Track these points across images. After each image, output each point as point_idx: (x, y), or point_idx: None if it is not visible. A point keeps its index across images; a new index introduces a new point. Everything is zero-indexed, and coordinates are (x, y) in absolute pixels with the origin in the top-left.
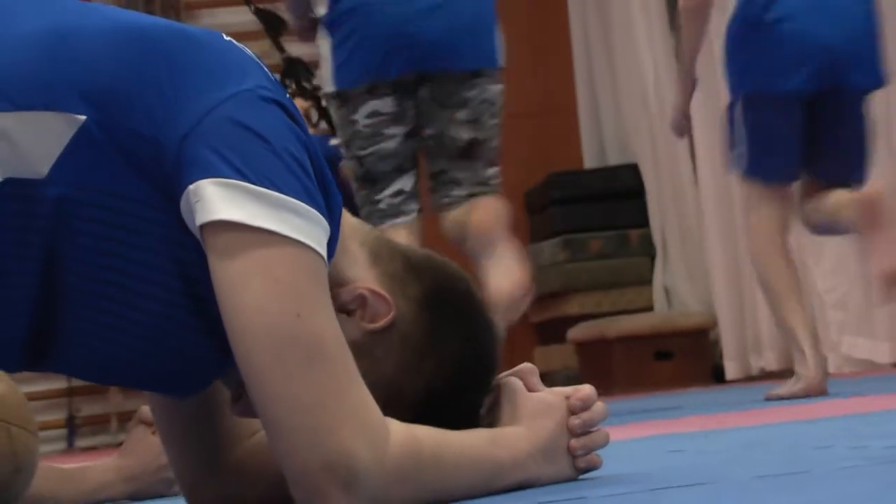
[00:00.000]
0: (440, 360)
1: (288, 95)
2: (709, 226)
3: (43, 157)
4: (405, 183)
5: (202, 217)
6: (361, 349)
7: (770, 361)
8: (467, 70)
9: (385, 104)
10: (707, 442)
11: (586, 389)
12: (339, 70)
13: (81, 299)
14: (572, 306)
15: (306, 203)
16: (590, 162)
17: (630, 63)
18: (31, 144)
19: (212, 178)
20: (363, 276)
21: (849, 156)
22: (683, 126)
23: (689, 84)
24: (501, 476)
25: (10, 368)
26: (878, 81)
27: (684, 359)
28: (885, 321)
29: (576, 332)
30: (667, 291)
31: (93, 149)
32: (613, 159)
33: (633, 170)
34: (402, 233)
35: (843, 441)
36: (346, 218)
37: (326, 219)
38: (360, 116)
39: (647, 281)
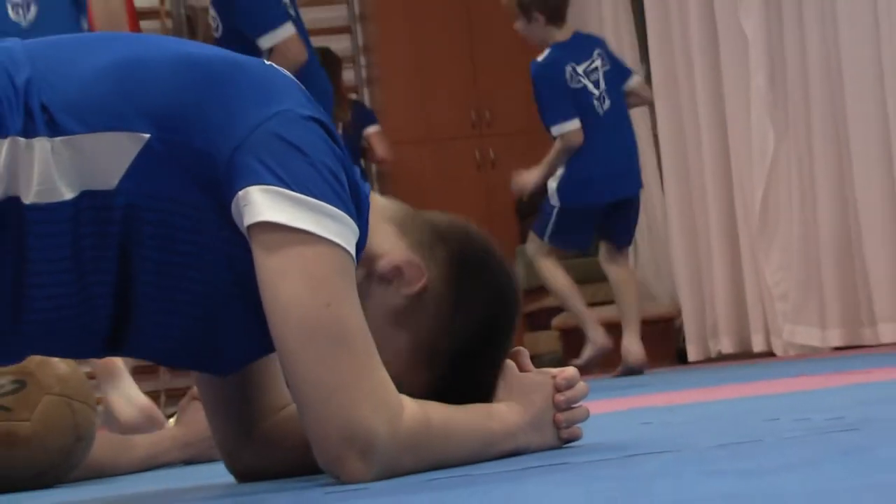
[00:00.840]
0: (469, 313)
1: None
2: (673, 228)
3: (113, 171)
4: None
5: (249, 219)
6: (402, 315)
7: (726, 345)
8: None
9: None
10: (672, 415)
11: (570, 370)
12: None
13: (150, 292)
14: (555, 299)
15: (338, 208)
16: None
17: None
18: (104, 161)
19: (258, 185)
20: (395, 247)
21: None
22: (523, 192)
23: (541, 181)
24: (496, 445)
25: (97, 356)
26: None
27: (652, 343)
28: (823, 311)
29: (559, 321)
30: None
31: (155, 162)
32: None
33: None
34: None
35: (788, 414)
36: (375, 199)
37: (356, 221)
38: None
39: None
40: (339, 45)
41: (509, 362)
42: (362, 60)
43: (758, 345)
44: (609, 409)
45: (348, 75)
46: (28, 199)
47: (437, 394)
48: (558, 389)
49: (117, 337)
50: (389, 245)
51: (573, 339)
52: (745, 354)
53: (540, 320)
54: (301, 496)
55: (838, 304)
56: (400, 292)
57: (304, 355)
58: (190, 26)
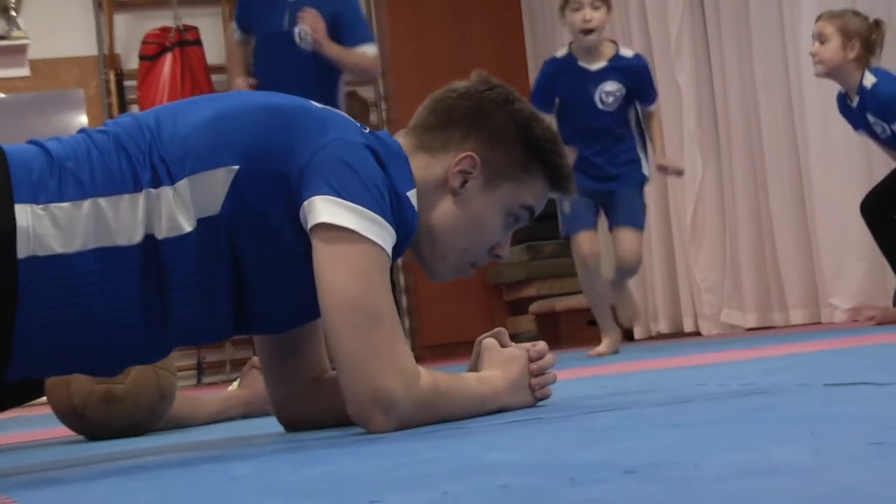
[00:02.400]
0: (513, 135)
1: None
2: None
3: (216, 200)
4: None
5: (312, 220)
6: (488, 186)
7: (663, 327)
8: None
9: None
10: (622, 381)
11: (541, 345)
12: None
13: (256, 279)
14: (532, 289)
15: (380, 215)
16: None
17: None
18: (209, 193)
19: (319, 195)
20: (441, 164)
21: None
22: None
23: None
24: (486, 404)
25: (228, 336)
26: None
27: None
28: (742, 299)
29: (534, 307)
30: None
31: (244, 186)
32: None
33: None
34: None
35: (712, 380)
36: (410, 149)
37: (393, 228)
38: None
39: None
40: (365, 92)
41: (492, 340)
42: (383, 105)
43: (688, 326)
44: (572, 376)
45: (373, 117)
46: (160, 235)
47: (554, 183)
48: (532, 360)
49: (240, 320)
50: (437, 164)
51: (545, 321)
52: (677, 334)
53: (519, 307)
54: (334, 442)
55: (754, 294)
56: (475, 178)
57: (344, 329)
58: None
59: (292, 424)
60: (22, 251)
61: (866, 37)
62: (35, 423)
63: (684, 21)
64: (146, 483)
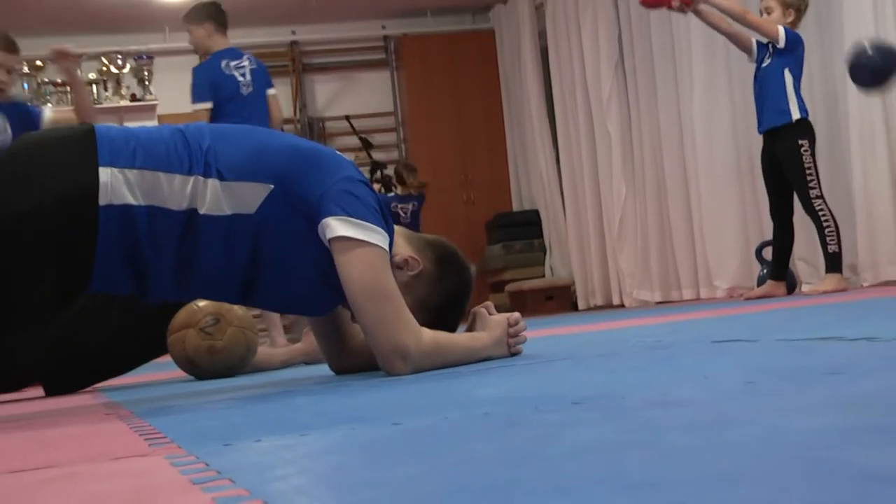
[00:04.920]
0: (445, 286)
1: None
2: (571, 235)
3: (253, 204)
4: None
5: (330, 234)
6: (408, 286)
7: (599, 300)
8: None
9: None
10: (571, 339)
11: (517, 315)
12: None
13: (269, 274)
14: (507, 276)
15: (379, 227)
16: (516, 207)
17: (532, 160)
18: (247, 198)
19: (333, 216)
20: (404, 249)
21: None
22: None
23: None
24: (475, 355)
25: (233, 303)
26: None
27: (559, 300)
28: (651, 281)
29: (509, 287)
30: (551, 269)
31: (276, 201)
32: (527, 206)
33: (535, 212)
34: None
35: (632, 338)
36: (397, 229)
37: (389, 234)
38: None
39: (542, 264)
40: (388, 138)
41: (482, 309)
42: (403, 147)
43: (615, 300)
44: (535, 335)
45: (394, 155)
46: (202, 210)
47: (428, 326)
48: (510, 325)
49: (245, 295)
50: (402, 248)
51: (517, 298)
52: (608, 305)
53: (499, 286)
54: (366, 383)
55: (659, 278)
56: (406, 274)
57: (367, 305)
58: (310, 127)
59: (339, 370)
60: (102, 200)
61: (798, 6)
62: (161, 368)
63: (612, 87)
64: (237, 409)
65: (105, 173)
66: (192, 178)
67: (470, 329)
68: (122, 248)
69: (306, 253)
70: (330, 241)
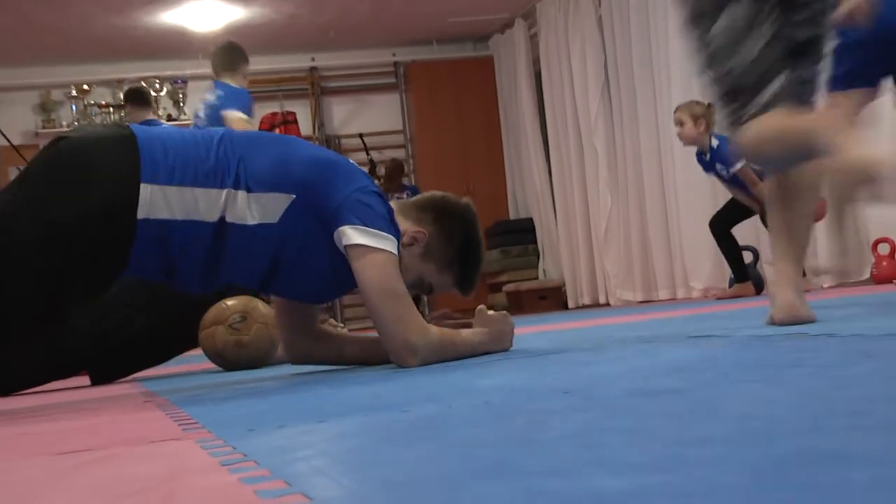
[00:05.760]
0: (455, 235)
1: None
2: (562, 240)
3: (276, 213)
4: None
5: (346, 241)
6: (425, 254)
7: (586, 300)
8: None
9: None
10: (562, 334)
11: (507, 315)
12: None
13: (287, 272)
14: (505, 277)
15: (389, 234)
16: (513, 215)
17: (527, 173)
18: (271, 208)
19: (349, 225)
20: (406, 226)
21: None
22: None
23: None
24: (476, 349)
25: (254, 289)
26: None
27: (551, 299)
28: (633, 283)
29: (506, 288)
30: (544, 271)
31: (297, 210)
32: (522, 215)
33: (530, 220)
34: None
35: (616, 333)
36: (394, 212)
37: (397, 240)
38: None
39: (536, 267)
40: (397, 153)
41: (484, 308)
42: (411, 161)
43: (602, 300)
44: (529, 331)
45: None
46: (230, 219)
47: (458, 283)
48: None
49: (263, 286)
50: (404, 225)
51: (514, 298)
52: (595, 305)
53: (497, 287)
54: (377, 375)
55: (641, 279)
56: (417, 249)
57: (380, 306)
58: (328, 144)
59: (295, 358)
60: (141, 214)
61: (706, 115)
62: (193, 360)
63: (599, 108)
64: (261, 398)
65: (146, 190)
66: (224, 192)
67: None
68: (156, 254)
69: (322, 254)
70: (346, 247)
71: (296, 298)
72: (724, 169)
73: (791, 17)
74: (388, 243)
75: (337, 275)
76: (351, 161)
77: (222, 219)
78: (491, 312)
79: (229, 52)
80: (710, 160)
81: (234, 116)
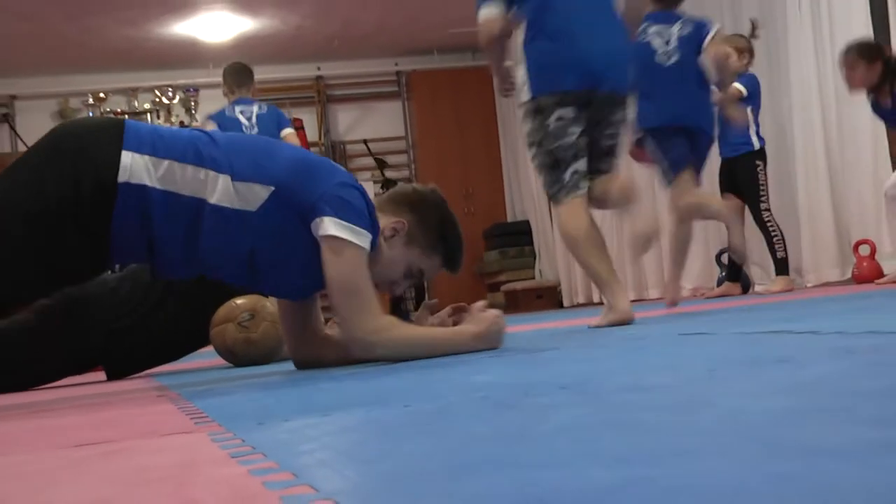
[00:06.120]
0: (431, 220)
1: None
2: (557, 245)
3: (255, 202)
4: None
5: (322, 232)
6: (407, 242)
7: (581, 298)
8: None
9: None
10: (557, 332)
11: (496, 311)
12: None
13: (269, 266)
14: (503, 277)
15: (364, 229)
16: (510, 218)
17: (523, 178)
18: (250, 197)
19: (326, 216)
20: (385, 221)
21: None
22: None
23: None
24: (461, 347)
25: (250, 288)
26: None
27: (547, 298)
28: (625, 281)
29: (504, 288)
30: (540, 272)
31: (276, 202)
32: (519, 217)
33: (527, 223)
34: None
35: (616, 332)
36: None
37: (372, 235)
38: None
39: (532, 267)
40: (400, 159)
41: (480, 304)
42: (413, 166)
43: (595, 298)
44: (528, 329)
45: (405, 172)
46: (211, 200)
47: (446, 263)
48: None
49: (253, 282)
50: (382, 220)
51: (511, 297)
52: (589, 303)
53: (495, 287)
54: (380, 371)
55: (632, 279)
56: (399, 239)
57: (343, 300)
58: (333, 149)
59: (301, 362)
60: (121, 177)
61: (749, 48)
62: (204, 357)
63: None
64: (269, 393)
65: (127, 156)
66: (203, 170)
67: (457, 323)
68: (136, 219)
69: (301, 248)
70: (320, 237)
71: (285, 296)
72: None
73: (602, 131)
74: (360, 238)
75: (320, 268)
76: (333, 162)
77: (202, 199)
78: (489, 311)
79: (244, 71)
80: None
81: (289, 132)
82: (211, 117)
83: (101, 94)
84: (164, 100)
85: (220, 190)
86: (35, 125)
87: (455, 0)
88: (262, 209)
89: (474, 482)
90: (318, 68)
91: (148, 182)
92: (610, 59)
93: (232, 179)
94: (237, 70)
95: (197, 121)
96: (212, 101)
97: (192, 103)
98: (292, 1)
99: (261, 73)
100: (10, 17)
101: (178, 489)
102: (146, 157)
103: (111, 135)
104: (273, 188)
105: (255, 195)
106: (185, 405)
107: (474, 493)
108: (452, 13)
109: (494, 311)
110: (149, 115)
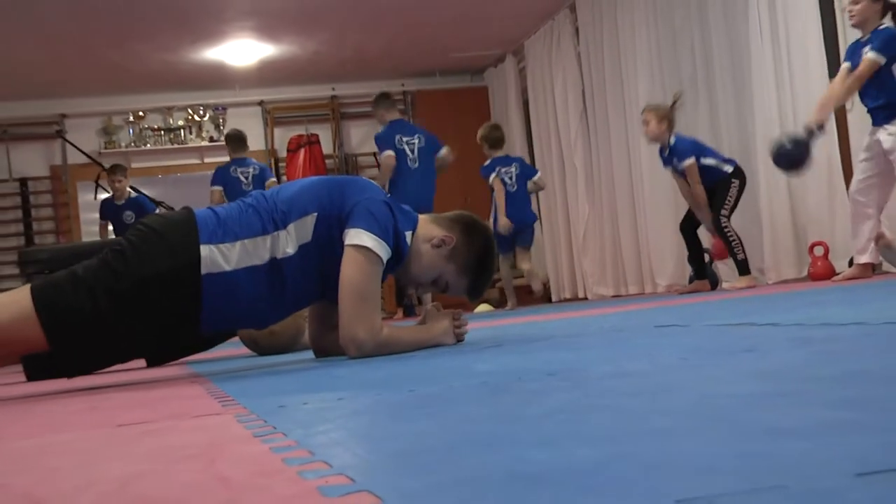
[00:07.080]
0: (476, 247)
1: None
2: (547, 244)
3: (309, 233)
4: None
5: (348, 241)
6: (449, 256)
7: (567, 293)
8: None
9: None
10: (546, 324)
11: (459, 311)
12: None
13: (331, 275)
14: (496, 275)
15: (386, 242)
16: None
17: None
18: (302, 231)
19: (354, 228)
20: (438, 232)
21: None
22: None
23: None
24: (427, 342)
25: (317, 301)
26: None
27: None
28: (607, 279)
29: (499, 285)
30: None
31: (320, 224)
32: None
33: None
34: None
35: (595, 323)
36: (422, 217)
37: (392, 250)
38: None
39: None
40: None
41: (434, 305)
42: None
43: (580, 294)
44: (521, 321)
45: None
46: (279, 257)
47: (471, 288)
48: (455, 318)
49: (323, 295)
50: (435, 231)
51: (504, 293)
52: (574, 298)
53: (492, 284)
54: (389, 359)
55: (612, 276)
56: (444, 250)
57: (351, 302)
58: (346, 161)
59: (319, 351)
60: (204, 270)
61: (669, 115)
62: (230, 346)
63: (578, 131)
64: (289, 378)
65: (204, 249)
66: (269, 237)
67: (422, 322)
68: (224, 303)
69: (338, 253)
70: (346, 245)
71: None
72: (678, 163)
73: None
74: (381, 249)
75: None
76: (365, 178)
77: (273, 258)
78: (444, 311)
79: (242, 138)
80: (669, 155)
81: (272, 181)
82: (216, 183)
83: (140, 113)
84: (196, 117)
85: (283, 242)
86: (83, 141)
87: (455, 28)
88: (314, 235)
89: (472, 459)
90: (333, 88)
91: (227, 267)
92: None
93: (287, 227)
94: (235, 137)
95: (222, 133)
96: (238, 119)
97: (221, 120)
98: (310, 29)
99: (281, 94)
100: (61, 44)
101: (208, 465)
102: (220, 245)
103: (188, 230)
104: (316, 213)
105: (307, 227)
106: (213, 389)
107: (472, 468)
108: (453, 39)
109: (458, 311)
110: (182, 130)
